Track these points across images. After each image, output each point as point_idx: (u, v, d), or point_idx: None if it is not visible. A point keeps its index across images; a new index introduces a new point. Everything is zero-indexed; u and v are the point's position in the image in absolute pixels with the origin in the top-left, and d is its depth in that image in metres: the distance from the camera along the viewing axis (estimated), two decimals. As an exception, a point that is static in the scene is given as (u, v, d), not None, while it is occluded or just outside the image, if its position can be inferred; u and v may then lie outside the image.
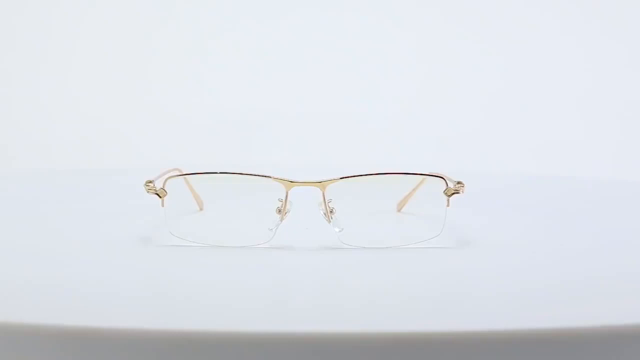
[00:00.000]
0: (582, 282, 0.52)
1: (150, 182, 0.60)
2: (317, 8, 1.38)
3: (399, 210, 0.68)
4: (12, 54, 1.37)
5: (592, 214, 0.74)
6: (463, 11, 1.38)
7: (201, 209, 0.68)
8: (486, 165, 1.31)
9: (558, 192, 0.86)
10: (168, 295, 0.50)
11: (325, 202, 0.58)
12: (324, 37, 1.38)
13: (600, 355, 0.43)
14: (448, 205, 0.58)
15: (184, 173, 0.61)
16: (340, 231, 0.58)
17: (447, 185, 0.58)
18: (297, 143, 1.36)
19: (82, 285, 0.50)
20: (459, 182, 0.60)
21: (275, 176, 0.59)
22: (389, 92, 1.38)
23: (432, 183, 0.60)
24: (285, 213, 0.59)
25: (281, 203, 0.58)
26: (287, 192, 0.58)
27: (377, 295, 0.50)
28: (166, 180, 0.60)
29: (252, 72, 1.38)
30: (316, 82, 1.38)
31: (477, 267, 0.56)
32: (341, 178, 0.59)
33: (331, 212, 0.58)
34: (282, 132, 1.36)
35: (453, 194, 0.58)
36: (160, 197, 0.59)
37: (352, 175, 0.59)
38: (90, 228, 0.65)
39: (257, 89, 1.38)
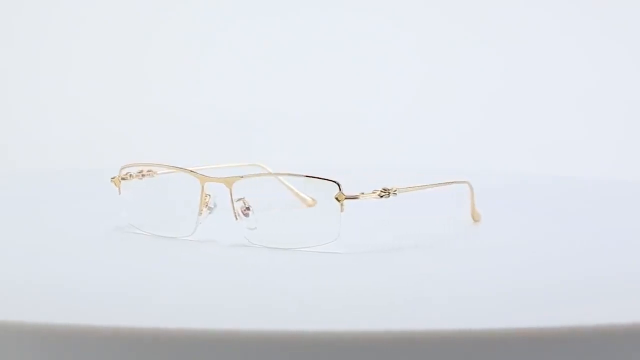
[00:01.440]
0: (582, 282, 0.52)
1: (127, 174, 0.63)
2: (317, 8, 1.38)
3: (475, 221, 0.67)
4: (11, 54, 1.37)
5: (592, 214, 0.74)
6: (463, 11, 1.38)
7: (310, 206, 0.69)
8: (486, 165, 1.31)
9: (558, 192, 0.86)
10: (169, 294, 0.50)
11: (232, 200, 0.58)
12: (325, 37, 1.38)
13: (600, 355, 0.43)
14: (342, 211, 0.56)
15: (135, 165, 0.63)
16: (252, 229, 0.58)
17: (339, 190, 0.57)
18: (298, 143, 1.36)
19: (82, 285, 0.50)
20: (383, 189, 0.58)
21: (194, 171, 0.60)
22: (389, 92, 1.38)
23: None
24: (205, 207, 0.59)
25: (207, 198, 0.59)
26: (202, 186, 0.59)
27: (369, 295, 0.50)
28: (122, 169, 0.62)
29: (252, 72, 1.38)
30: (317, 82, 1.38)
31: (476, 266, 0.56)
32: (242, 177, 0.58)
33: (247, 209, 0.58)
34: (283, 132, 1.37)
35: (347, 198, 0.57)
36: (115, 185, 0.62)
37: (258, 174, 0.60)
38: (90, 228, 0.65)
39: (257, 88, 1.38)
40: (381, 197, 0.58)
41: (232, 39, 1.38)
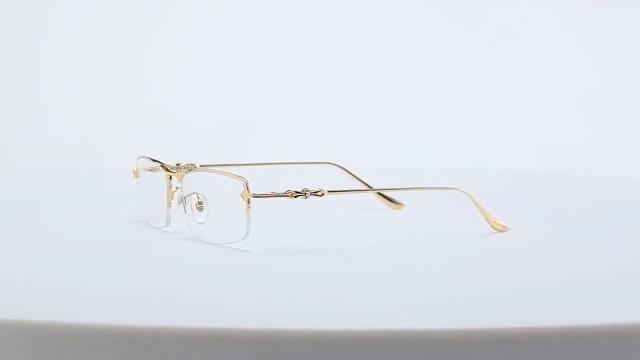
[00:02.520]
0: (582, 282, 0.52)
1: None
2: (317, 8, 1.38)
3: (498, 230, 0.64)
4: (11, 54, 1.37)
5: (592, 214, 0.74)
6: (463, 11, 1.38)
7: (398, 209, 0.69)
8: (486, 165, 1.31)
9: (558, 192, 0.86)
10: (168, 293, 0.50)
11: (182, 192, 0.59)
12: (325, 37, 1.38)
13: (600, 355, 0.43)
14: (248, 209, 0.56)
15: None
16: (200, 224, 0.58)
17: (245, 189, 0.56)
18: (298, 143, 1.36)
19: (82, 285, 0.50)
20: (300, 190, 0.57)
21: (164, 165, 0.61)
22: (389, 92, 1.38)
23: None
24: (172, 199, 0.60)
25: (176, 190, 0.60)
26: (168, 180, 0.61)
27: (366, 292, 0.50)
28: (138, 159, 0.64)
29: (252, 72, 1.38)
30: (317, 82, 1.38)
31: (477, 266, 0.56)
32: (189, 170, 0.59)
33: (200, 203, 0.58)
34: (283, 132, 1.37)
35: (256, 197, 0.56)
36: (135, 176, 0.64)
37: (198, 169, 0.60)
38: (90, 228, 0.65)
39: (257, 88, 1.38)
40: (295, 197, 0.58)
41: (232, 39, 1.38)
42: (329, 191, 0.58)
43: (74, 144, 1.34)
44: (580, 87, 1.36)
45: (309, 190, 0.58)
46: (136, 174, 0.64)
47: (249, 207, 0.56)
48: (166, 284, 0.51)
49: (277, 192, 0.57)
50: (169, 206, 0.61)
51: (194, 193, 0.58)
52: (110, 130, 1.35)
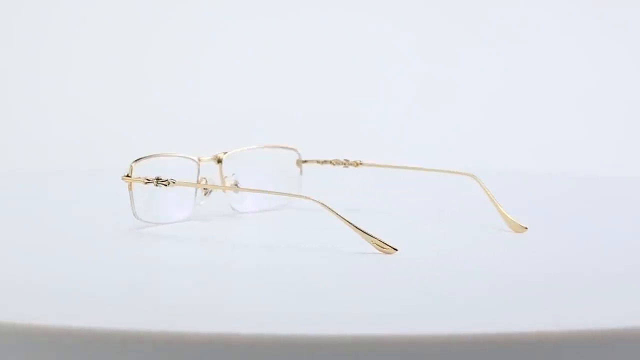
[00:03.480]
0: (582, 282, 0.52)
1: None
2: (317, 8, 1.38)
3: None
4: (11, 54, 1.37)
5: (592, 214, 0.74)
6: (463, 11, 1.38)
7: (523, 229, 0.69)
8: (486, 165, 1.31)
9: (558, 192, 0.86)
10: (168, 294, 0.50)
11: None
12: (325, 37, 1.38)
13: (600, 355, 0.43)
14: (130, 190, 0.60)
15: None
16: (198, 204, 0.62)
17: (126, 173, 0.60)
18: (298, 143, 1.36)
19: (82, 285, 0.50)
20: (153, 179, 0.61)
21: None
22: (389, 92, 1.38)
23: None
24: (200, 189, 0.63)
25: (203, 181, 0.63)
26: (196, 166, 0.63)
27: (374, 294, 0.50)
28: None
29: (252, 72, 1.38)
30: (317, 82, 1.38)
31: (477, 266, 0.56)
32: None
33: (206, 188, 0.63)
34: (283, 132, 1.36)
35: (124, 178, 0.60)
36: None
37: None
38: (90, 228, 0.65)
39: (257, 88, 1.38)
40: (146, 183, 0.61)
41: (232, 39, 1.38)
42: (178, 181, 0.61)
43: (74, 144, 1.34)
44: (580, 87, 1.36)
45: (169, 180, 0.61)
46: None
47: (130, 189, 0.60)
48: (166, 285, 0.51)
49: (156, 178, 0.61)
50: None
51: (203, 178, 0.62)
52: (110, 130, 1.35)
